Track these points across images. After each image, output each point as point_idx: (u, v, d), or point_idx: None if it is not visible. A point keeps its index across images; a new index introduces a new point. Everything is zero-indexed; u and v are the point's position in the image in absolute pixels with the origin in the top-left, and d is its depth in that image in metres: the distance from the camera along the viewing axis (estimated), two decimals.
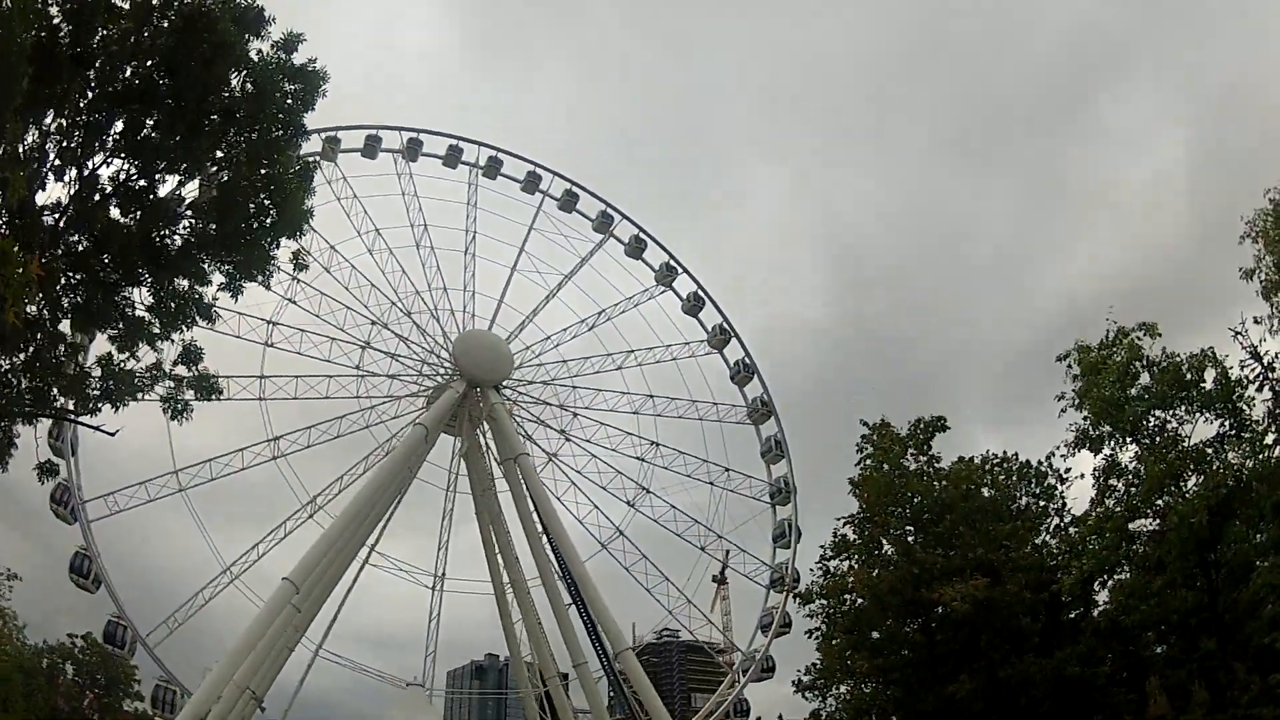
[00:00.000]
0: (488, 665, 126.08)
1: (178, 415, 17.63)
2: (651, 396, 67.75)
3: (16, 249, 12.67)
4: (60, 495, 51.62)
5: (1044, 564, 26.70)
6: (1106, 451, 26.14)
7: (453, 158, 68.44)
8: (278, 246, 19.10)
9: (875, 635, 24.45)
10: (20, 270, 11.95)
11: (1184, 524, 24.69)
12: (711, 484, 66.23)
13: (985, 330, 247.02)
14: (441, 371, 62.66)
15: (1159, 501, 25.72)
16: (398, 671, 62.98)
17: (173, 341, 18.22)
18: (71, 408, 16.89)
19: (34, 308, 15.51)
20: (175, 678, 55.47)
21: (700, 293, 70.59)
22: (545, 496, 58.34)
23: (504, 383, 62.56)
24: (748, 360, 69.32)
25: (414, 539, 73.84)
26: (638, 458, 66.88)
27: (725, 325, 69.90)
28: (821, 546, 26.96)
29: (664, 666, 79.99)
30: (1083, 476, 26.58)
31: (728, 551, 68.05)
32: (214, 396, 18.59)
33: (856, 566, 25.80)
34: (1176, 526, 24.60)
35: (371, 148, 65.01)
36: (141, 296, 17.69)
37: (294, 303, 59.69)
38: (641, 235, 70.68)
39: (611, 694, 60.14)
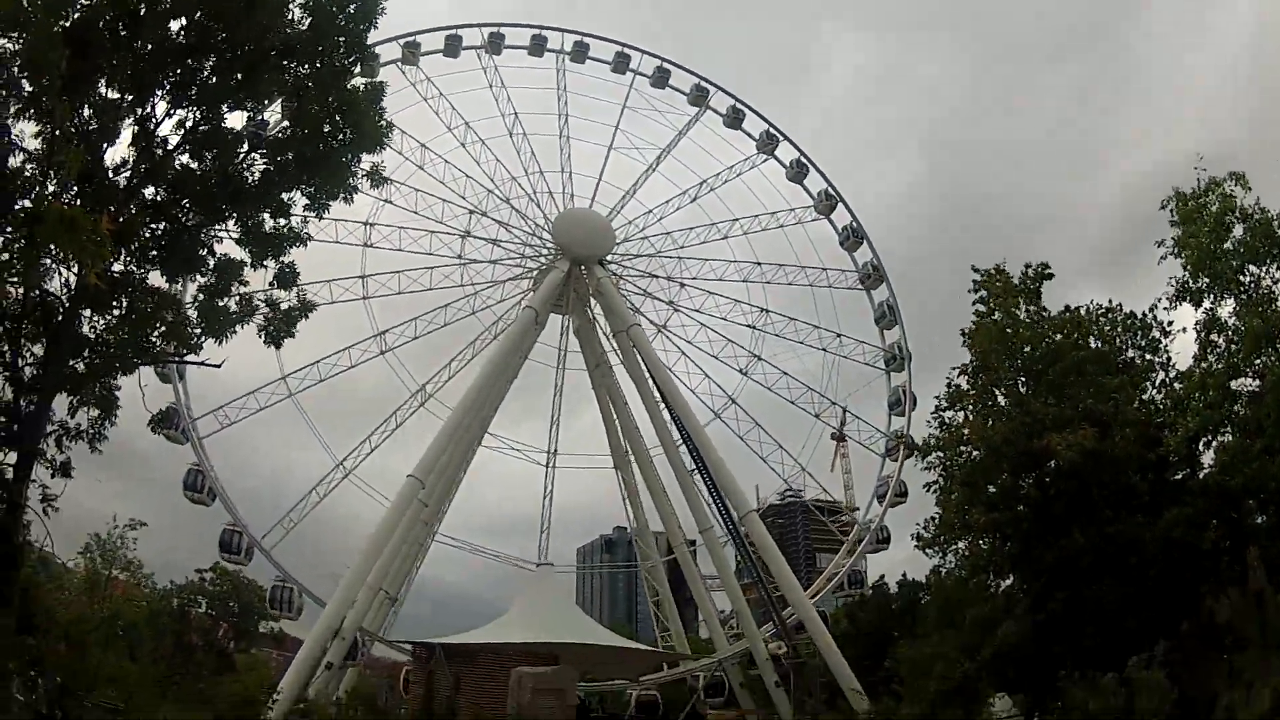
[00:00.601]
0: (616, 539, 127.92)
1: (275, 340, 17.69)
2: (759, 264, 66.39)
3: (87, 213, 12.74)
4: (168, 417, 51.48)
5: (1151, 420, 26.00)
6: (1206, 305, 25.19)
7: (538, 47, 66.63)
8: (358, 162, 18.84)
9: (991, 489, 24.08)
10: (91, 232, 12.06)
11: (1279, 386, 23.83)
12: (824, 350, 65.55)
13: (1078, 192, 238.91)
14: (544, 253, 62.42)
15: (1258, 361, 24.76)
16: (527, 555, 63.86)
17: (266, 269, 18.16)
18: (172, 351, 17.02)
19: (120, 265, 15.73)
20: (291, 576, 56.08)
21: (803, 159, 67.87)
22: (660, 365, 58.58)
23: (608, 258, 62.18)
24: (856, 225, 67.10)
25: (530, 422, 74.54)
26: (749, 325, 65.87)
27: (831, 190, 67.40)
28: (936, 398, 26.56)
29: (789, 528, 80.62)
30: (1185, 330, 25.68)
31: (845, 409, 67.44)
32: (307, 315, 18.38)
33: (971, 418, 25.36)
34: (1273, 388, 23.68)
35: (453, 47, 63.64)
36: (228, 230, 17.69)
37: (390, 202, 59.45)
38: (739, 105, 68.13)
39: (738, 558, 60.57)
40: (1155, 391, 25.88)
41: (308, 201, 18.47)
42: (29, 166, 14.44)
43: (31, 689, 13.18)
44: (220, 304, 17.02)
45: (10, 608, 13.62)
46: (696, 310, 65.43)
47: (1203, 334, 24.32)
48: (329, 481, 58.59)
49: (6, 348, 14.62)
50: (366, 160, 19.35)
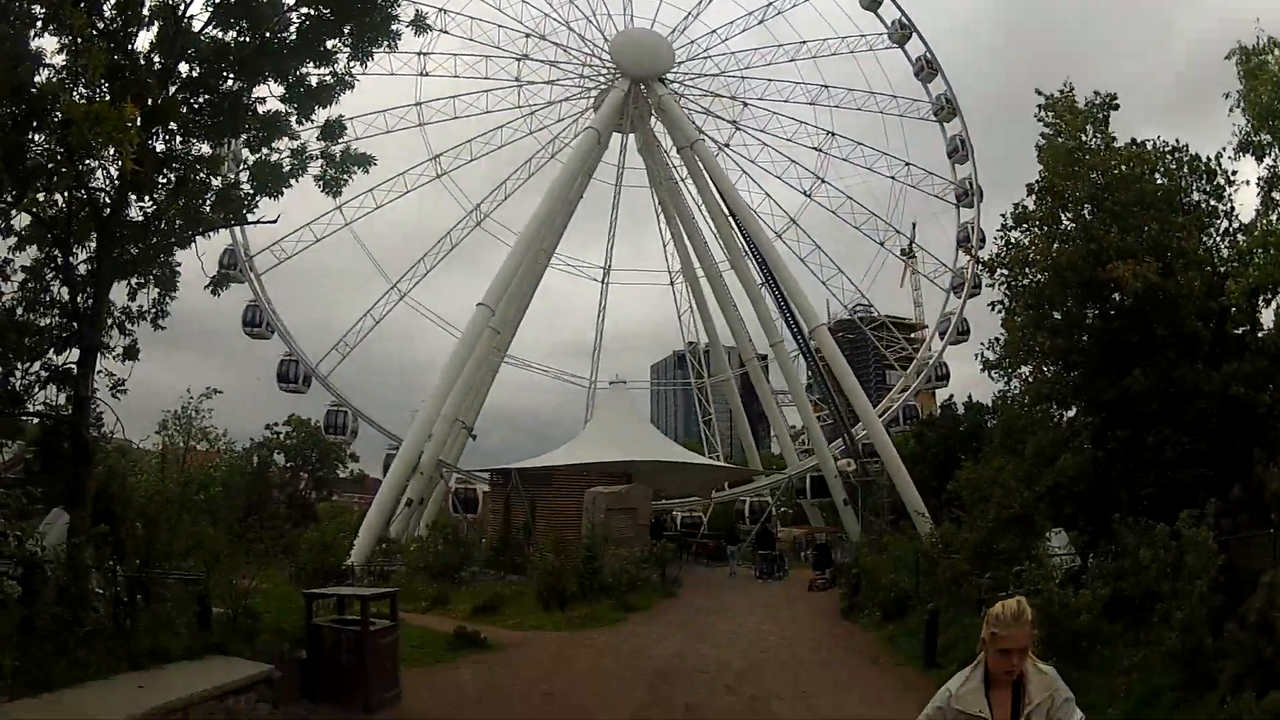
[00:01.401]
0: (688, 354, 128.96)
1: (332, 190, 17.49)
2: (827, 87, 64.32)
3: (112, 105, 12.55)
4: (226, 260, 51.31)
5: (1214, 265, 25.23)
6: (1269, 161, 24.07)
7: None
8: (398, 4, 18.03)
9: (1056, 315, 23.75)
10: (118, 121, 11.97)
11: None
12: (893, 178, 64.20)
13: (1149, 43, 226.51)
14: (602, 74, 60.88)
15: None
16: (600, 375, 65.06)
17: (313, 122, 17.76)
18: (226, 218, 16.93)
19: (162, 144, 15.56)
20: (346, 400, 57.87)
21: None
22: (726, 178, 57.86)
23: (669, 77, 60.61)
24: (930, 56, 64.15)
25: (595, 241, 74.17)
26: (814, 148, 64.51)
27: (905, 20, 64.26)
28: (1002, 215, 26.00)
29: (859, 343, 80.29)
30: (1248, 183, 24.64)
31: (914, 224, 66.95)
32: (367, 168, 17.97)
33: (1037, 240, 24.83)
34: None
35: None
36: (270, 90, 17.29)
37: (446, 32, 58.41)
38: None
39: (809, 372, 60.94)
40: (1220, 239, 25.20)
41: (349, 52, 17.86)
42: (56, 78, 14.24)
43: (112, 580, 13.75)
44: (271, 161, 16.81)
45: (83, 502, 14.13)
46: (760, 130, 63.93)
47: (1265, 190, 23.52)
48: (385, 304, 59.50)
49: (58, 252, 14.81)
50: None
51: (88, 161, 14.24)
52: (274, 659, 13.66)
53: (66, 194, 14.58)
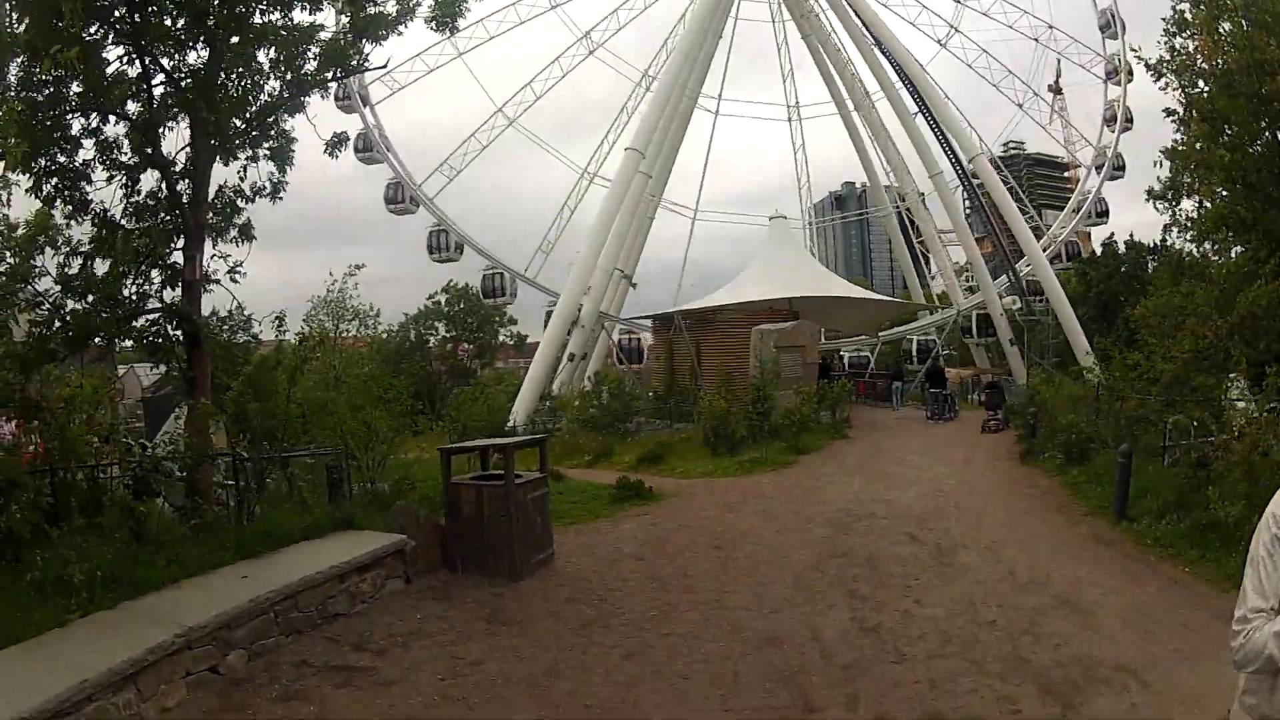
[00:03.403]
0: (845, 194, 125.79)
1: (446, 24, 15.86)
2: None
3: None
4: (341, 92, 52.45)
5: None
6: None
7: None
8: None
9: (1228, 131, 20.96)
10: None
11: None
12: (1035, 40, 60.93)
13: None
14: None
15: None
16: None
17: None
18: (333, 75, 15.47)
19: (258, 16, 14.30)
20: (449, 221, 57.93)
21: None
22: (870, 9, 54.28)
23: None
24: None
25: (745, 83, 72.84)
26: None
27: None
28: (1163, 20, 23.04)
29: (1013, 181, 76.18)
30: None
31: (1059, 60, 63.05)
32: None
33: (1204, 44, 21.92)
34: None
35: None
36: None
37: None
38: None
39: (967, 207, 58.12)
40: None
41: None
42: None
43: (239, 467, 13.03)
44: (373, 8, 15.35)
45: (200, 390, 13.43)
46: None
47: None
48: (490, 128, 59.57)
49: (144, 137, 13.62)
50: None
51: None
52: (408, 527, 12.66)
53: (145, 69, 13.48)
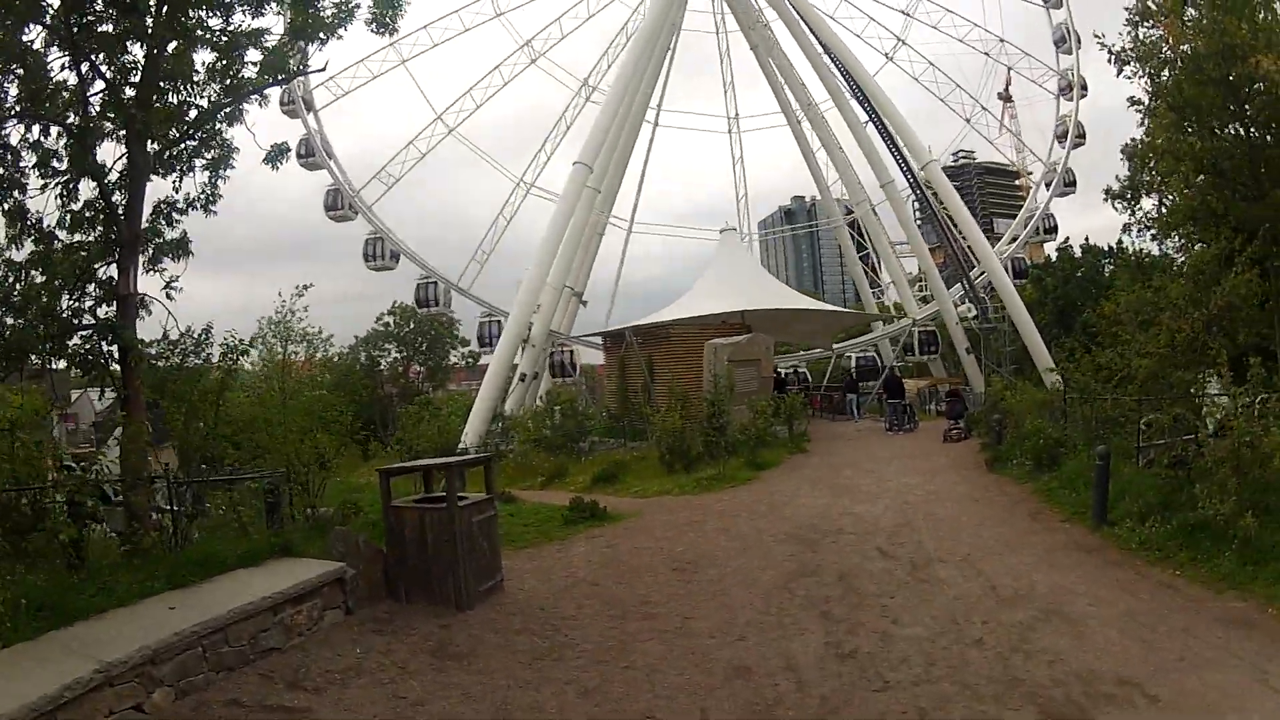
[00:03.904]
0: (795, 208, 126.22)
1: (385, 26, 15.15)
2: None
3: None
4: (285, 97, 52.53)
5: None
6: None
7: None
8: None
9: (1195, 118, 20.71)
10: None
11: None
12: (986, 54, 61.01)
13: None
14: None
15: None
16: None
17: None
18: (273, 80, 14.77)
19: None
20: (385, 229, 57.55)
21: None
22: (819, 18, 54.15)
23: None
24: None
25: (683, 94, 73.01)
26: (900, 10, 61.31)
27: None
28: (1127, 9, 22.75)
29: (964, 191, 76.28)
30: None
31: (1009, 69, 62.60)
32: None
33: (1172, 29, 21.68)
34: None
35: None
36: None
37: None
38: None
39: (919, 216, 58.25)
40: None
41: None
42: None
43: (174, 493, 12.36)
44: (311, 10, 14.62)
45: (135, 410, 12.84)
46: None
47: None
48: (430, 136, 59.18)
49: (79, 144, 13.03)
50: None
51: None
52: (348, 554, 11.74)
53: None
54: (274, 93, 15.32)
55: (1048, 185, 61.40)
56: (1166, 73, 21.23)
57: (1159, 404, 17.29)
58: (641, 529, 18.30)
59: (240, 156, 14.69)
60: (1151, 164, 22.10)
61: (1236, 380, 14.55)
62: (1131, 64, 21.64)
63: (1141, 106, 22.27)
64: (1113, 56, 21.76)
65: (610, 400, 42.30)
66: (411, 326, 63.88)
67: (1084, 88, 59.24)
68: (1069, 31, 59.11)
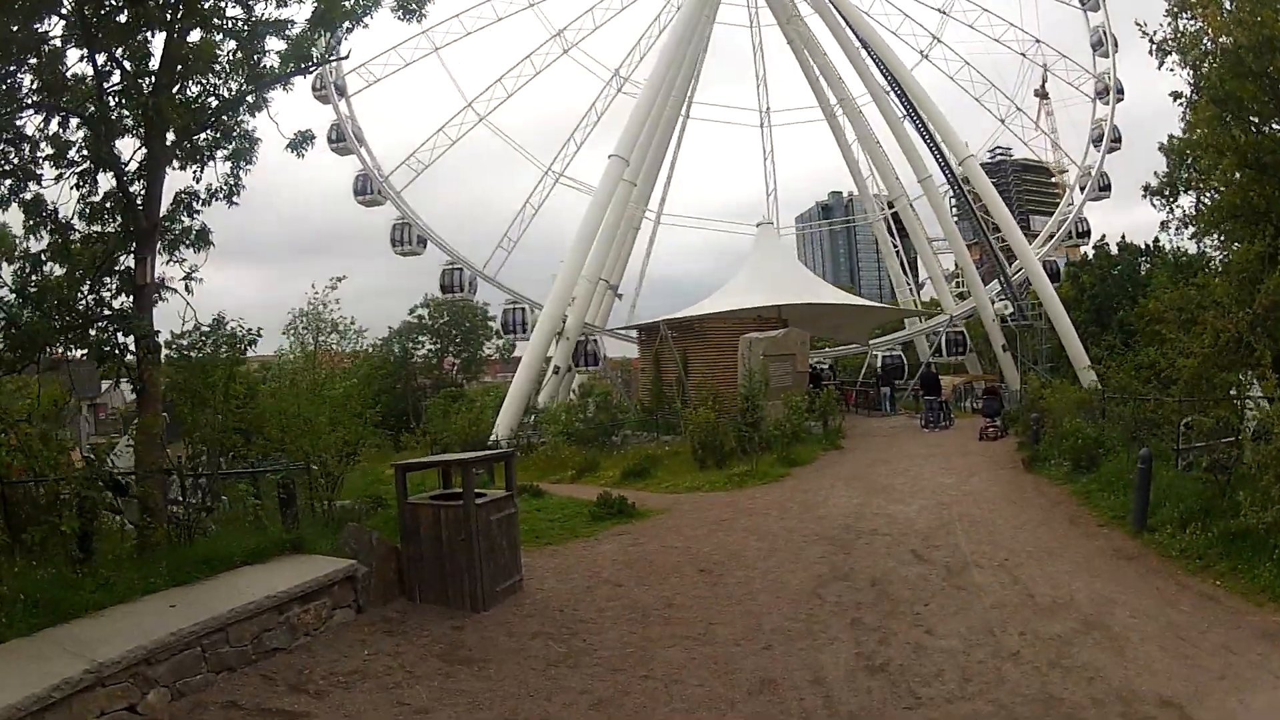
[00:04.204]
0: (832, 203, 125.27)
1: (410, 11, 14.83)
2: None
3: None
4: (317, 83, 52.71)
5: None
6: None
7: None
8: None
9: (1238, 112, 20.01)
10: None
11: None
12: (1023, 55, 60.60)
13: None
14: None
15: None
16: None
17: None
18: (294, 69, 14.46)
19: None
20: (413, 214, 57.05)
21: None
22: (856, 14, 53.42)
23: None
24: None
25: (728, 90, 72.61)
26: (937, 9, 60.64)
27: None
28: (1166, 2, 22.11)
29: (1000, 187, 75.05)
30: None
31: (1045, 66, 61.89)
32: None
33: (1213, 16, 21.05)
34: None
35: None
36: None
37: None
38: None
39: (955, 212, 57.26)
40: None
41: None
42: None
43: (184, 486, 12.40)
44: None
45: (150, 401, 12.63)
46: None
47: None
48: (460, 123, 59.00)
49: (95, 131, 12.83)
50: None
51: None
52: (361, 551, 11.37)
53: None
54: (294, 83, 14.86)
55: (1082, 189, 60.62)
56: (1208, 64, 20.58)
57: (1201, 405, 16.67)
58: (670, 527, 17.92)
59: (274, 151, 14.61)
60: (1190, 160, 21.47)
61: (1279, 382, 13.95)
62: (1173, 54, 21.04)
63: (1183, 100, 21.65)
64: (1154, 47, 21.11)
65: (644, 393, 41.96)
66: (445, 319, 63.50)
67: (1120, 91, 58.46)
68: (1106, 34, 58.38)
